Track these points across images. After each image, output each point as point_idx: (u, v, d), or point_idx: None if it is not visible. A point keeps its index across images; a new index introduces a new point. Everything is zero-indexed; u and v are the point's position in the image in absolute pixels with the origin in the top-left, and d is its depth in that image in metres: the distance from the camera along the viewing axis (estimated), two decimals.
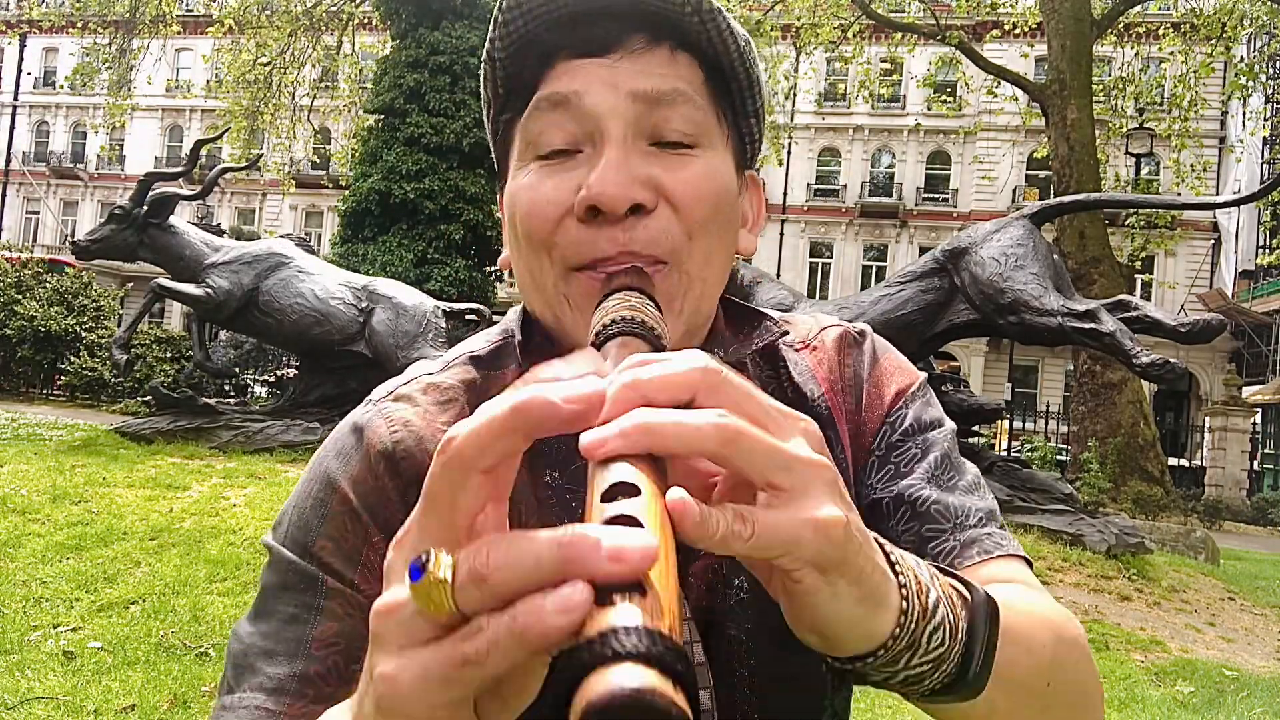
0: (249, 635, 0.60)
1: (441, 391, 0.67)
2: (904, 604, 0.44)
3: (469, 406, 0.65)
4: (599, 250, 0.59)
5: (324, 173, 29.89)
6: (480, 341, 0.72)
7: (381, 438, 0.63)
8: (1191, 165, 14.89)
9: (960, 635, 0.47)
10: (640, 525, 0.33)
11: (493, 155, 0.71)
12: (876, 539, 0.44)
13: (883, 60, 19.98)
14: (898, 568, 0.44)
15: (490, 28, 0.63)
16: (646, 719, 0.29)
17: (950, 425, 0.73)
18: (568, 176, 0.61)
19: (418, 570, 0.33)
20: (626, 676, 0.29)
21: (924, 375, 0.75)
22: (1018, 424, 16.85)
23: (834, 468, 0.40)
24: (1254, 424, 19.13)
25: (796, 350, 0.73)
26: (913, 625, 0.44)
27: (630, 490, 0.35)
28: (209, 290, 7.46)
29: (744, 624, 0.61)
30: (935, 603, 0.45)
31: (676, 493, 0.35)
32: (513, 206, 0.64)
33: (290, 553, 0.61)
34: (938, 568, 0.49)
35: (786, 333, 0.73)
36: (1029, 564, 0.66)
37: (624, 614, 0.30)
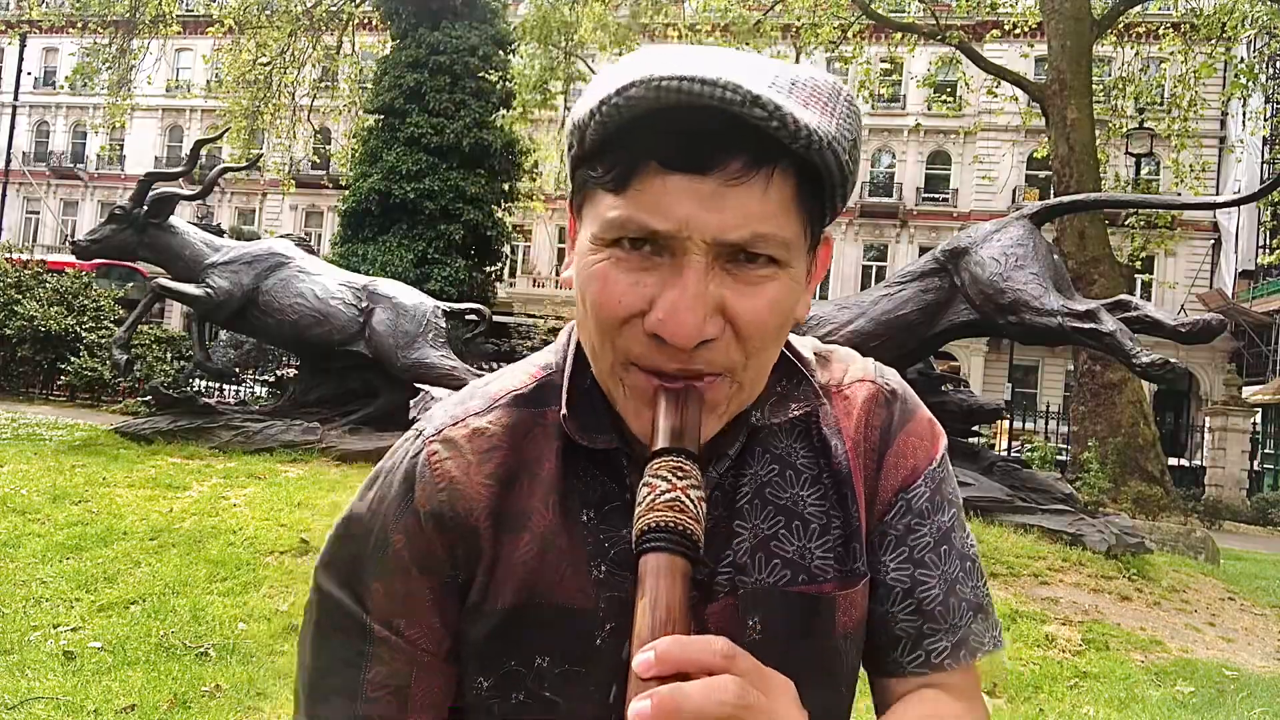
0: (313, 668, 0.69)
1: (485, 439, 0.70)
2: None
3: (511, 452, 0.70)
4: (660, 365, 0.62)
5: (324, 173, 29.88)
6: (523, 378, 0.75)
7: (430, 497, 0.68)
8: (1191, 165, 14.88)
9: None
10: None
11: (569, 186, 0.70)
12: None
13: (883, 60, 19.98)
14: None
15: (585, 112, 0.61)
16: None
17: (959, 502, 0.78)
18: (641, 280, 0.61)
19: None
20: None
21: (945, 442, 0.78)
22: (1018, 424, 16.85)
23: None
24: (1254, 424, 19.13)
25: (829, 395, 0.76)
26: None
27: None
28: (209, 290, 7.46)
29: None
30: None
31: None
32: (585, 285, 0.64)
33: (341, 594, 0.68)
34: None
35: (823, 403, 0.75)
36: (999, 645, 0.76)
37: None
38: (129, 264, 8.11)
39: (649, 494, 0.59)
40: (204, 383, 13.78)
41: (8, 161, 35.58)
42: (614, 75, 0.60)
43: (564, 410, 0.70)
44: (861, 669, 0.76)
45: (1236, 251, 24.40)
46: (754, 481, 0.71)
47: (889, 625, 0.74)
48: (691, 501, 0.58)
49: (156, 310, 15.34)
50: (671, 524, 0.57)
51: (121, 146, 33.82)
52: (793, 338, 0.77)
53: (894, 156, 30.84)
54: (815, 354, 0.79)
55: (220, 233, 9.37)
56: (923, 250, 26.10)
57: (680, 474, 0.59)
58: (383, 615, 0.67)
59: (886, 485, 0.74)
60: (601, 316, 0.63)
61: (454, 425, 0.71)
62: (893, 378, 0.79)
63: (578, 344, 0.73)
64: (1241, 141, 18.59)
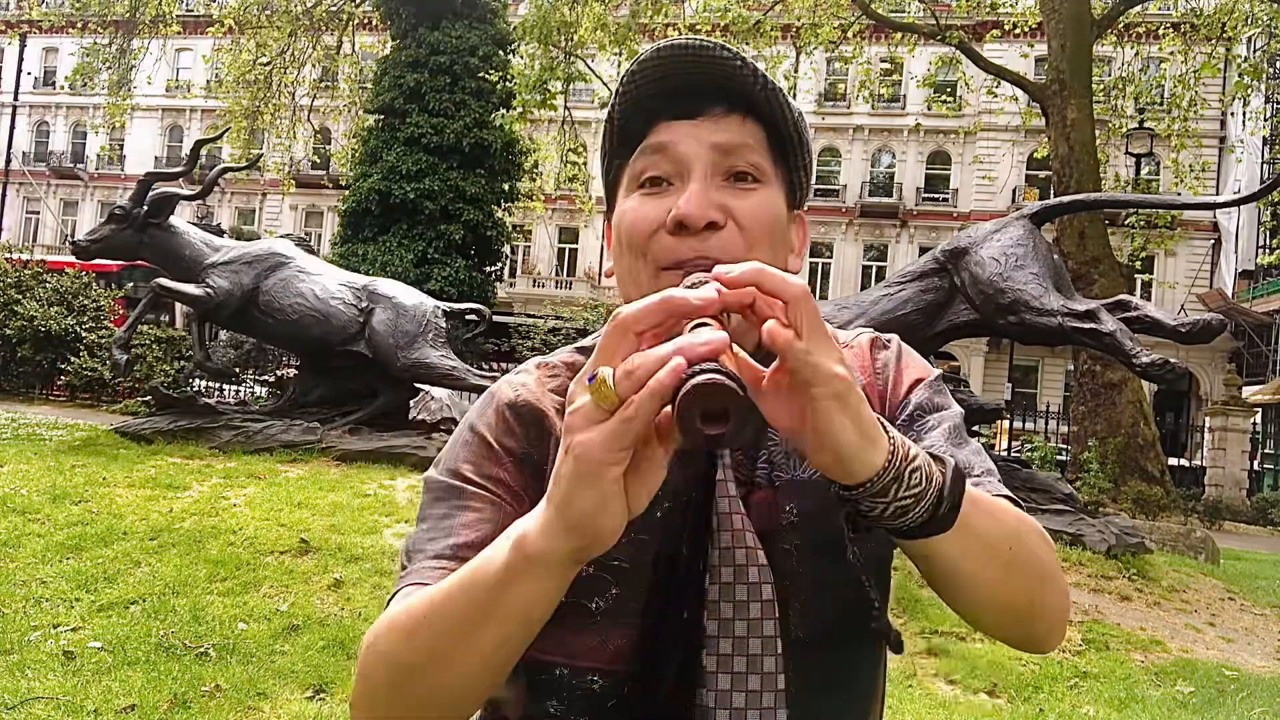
0: (413, 537, 0.79)
1: (550, 370, 0.87)
2: (891, 447, 0.62)
3: (568, 379, 0.84)
4: (682, 254, 0.79)
5: (324, 173, 29.90)
6: (586, 341, 0.90)
7: (507, 395, 0.84)
8: (1191, 165, 14.88)
9: (935, 480, 0.64)
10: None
11: (604, 193, 0.92)
12: (876, 417, 0.63)
13: (883, 60, 19.98)
14: (888, 431, 0.63)
15: (612, 95, 0.85)
16: (715, 392, 0.53)
17: (960, 410, 0.88)
18: (662, 202, 0.81)
19: (591, 378, 0.56)
20: (703, 375, 0.53)
21: (939, 372, 0.92)
22: (1018, 424, 16.84)
23: (849, 376, 0.60)
24: (1254, 424, 19.13)
25: (843, 348, 0.90)
26: (898, 462, 0.62)
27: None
28: (209, 290, 7.45)
29: (794, 540, 0.78)
30: (916, 454, 0.64)
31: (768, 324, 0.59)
32: (620, 222, 0.84)
33: (443, 476, 0.81)
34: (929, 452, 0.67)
35: (835, 334, 0.88)
36: (1018, 504, 0.81)
37: (705, 365, 0.54)
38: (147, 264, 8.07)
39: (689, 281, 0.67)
40: (203, 383, 13.77)
41: (8, 161, 35.59)
42: (632, 62, 0.82)
43: None
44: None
45: (1236, 251, 24.41)
46: None
47: None
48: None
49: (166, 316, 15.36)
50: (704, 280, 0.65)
51: (121, 146, 33.84)
52: None
53: (894, 156, 30.83)
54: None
55: (220, 233, 9.37)
56: (923, 250, 26.11)
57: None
58: (474, 479, 0.79)
59: (894, 399, 0.88)
60: (635, 233, 0.82)
61: (522, 370, 0.88)
62: (889, 334, 0.95)
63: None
64: (1241, 141, 18.61)
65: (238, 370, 14.64)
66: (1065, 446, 13.80)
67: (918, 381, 0.88)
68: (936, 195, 30.30)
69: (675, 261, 0.78)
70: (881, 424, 0.62)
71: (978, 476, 0.80)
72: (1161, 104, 16.42)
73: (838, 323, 6.37)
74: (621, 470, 0.57)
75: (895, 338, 0.94)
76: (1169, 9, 17.71)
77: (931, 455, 0.66)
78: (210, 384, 13.89)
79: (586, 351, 0.87)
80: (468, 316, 8.77)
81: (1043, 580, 0.75)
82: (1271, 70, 15.98)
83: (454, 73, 16.81)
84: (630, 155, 0.85)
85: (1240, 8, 13.75)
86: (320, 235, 30.51)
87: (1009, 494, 0.81)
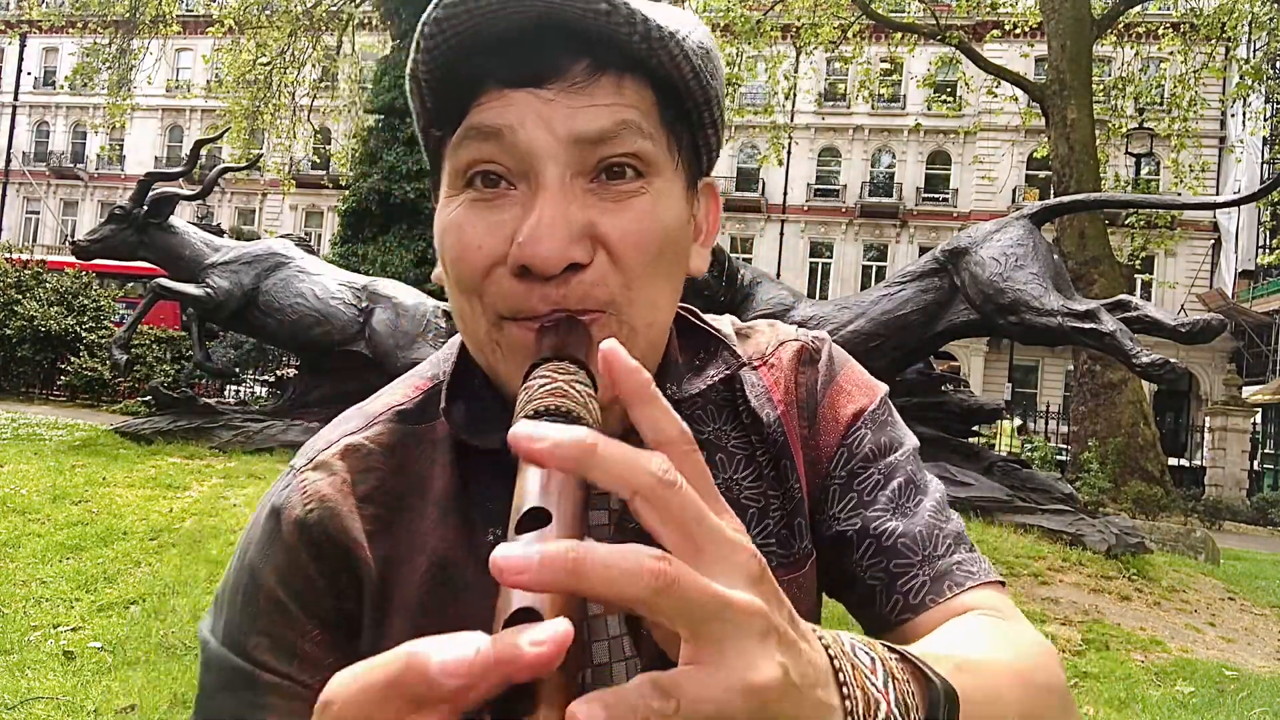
0: None
1: (360, 458, 0.63)
2: None
3: (389, 474, 0.63)
4: (532, 308, 0.55)
5: (324, 173, 29.88)
6: (407, 391, 0.68)
7: (298, 521, 0.61)
8: (1191, 165, 14.89)
9: None
10: (532, 698, 0.32)
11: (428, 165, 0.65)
12: (826, 643, 0.41)
13: (883, 60, 19.97)
14: (845, 687, 0.40)
15: (412, 47, 0.56)
16: None
17: (912, 443, 0.71)
18: (499, 220, 0.56)
19: None
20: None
21: (884, 390, 0.73)
22: (1018, 423, 16.86)
23: (769, 610, 0.36)
24: (1254, 424, 19.12)
25: (754, 368, 0.71)
26: None
27: (526, 697, 0.32)
28: (209, 290, 7.46)
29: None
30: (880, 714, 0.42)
31: (576, 708, 0.32)
32: (442, 240, 0.59)
33: (226, 650, 0.60)
34: (897, 654, 0.45)
35: (744, 363, 0.70)
36: (1001, 584, 0.65)
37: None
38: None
39: (524, 396, 0.47)
40: (204, 382, 13.77)
41: (8, 161, 35.58)
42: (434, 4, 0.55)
43: (444, 404, 0.64)
44: None
45: (1236, 251, 24.39)
46: None
47: (858, 580, 0.65)
48: (579, 393, 0.47)
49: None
50: (556, 407, 0.45)
51: (121, 146, 33.83)
52: (708, 315, 0.73)
53: (894, 156, 30.83)
54: (735, 330, 0.74)
55: (220, 233, 9.36)
56: (923, 250, 26.11)
57: (562, 371, 0.48)
58: (270, 664, 0.59)
59: (825, 441, 0.69)
60: (463, 269, 0.57)
61: (327, 449, 0.64)
62: (820, 335, 0.74)
63: (462, 345, 0.66)
64: (1241, 141, 18.60)
65: (238, 370, 14.64)
66: (1065, 446, 13.80)
67: (858, 416, 0.69)
68: (936, 195, 30.29)
69: (522, 313, 0.56)
70: (838, 676, 0.40)
71: (942, 556, 0.64)
72: (1161, 104, 16.44)
73: (837, 323, 6.42)
74: None
75: (826, 344, 0.73)
76: (1169, 9, 17.72)
77: (910, 678, 0.44)
78: (206, 382, 13.89)
79: (411, 418, 0.65)
80: None
81: None
82: (1272, 70, 15.97)
83: None
84: (451, 128, 0.58)
85: (1240, 7, 13.75)
86: (320, 235, 30.50)
87: (985, 575, 0.64)
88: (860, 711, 0.40)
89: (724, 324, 0.74)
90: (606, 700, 0.32)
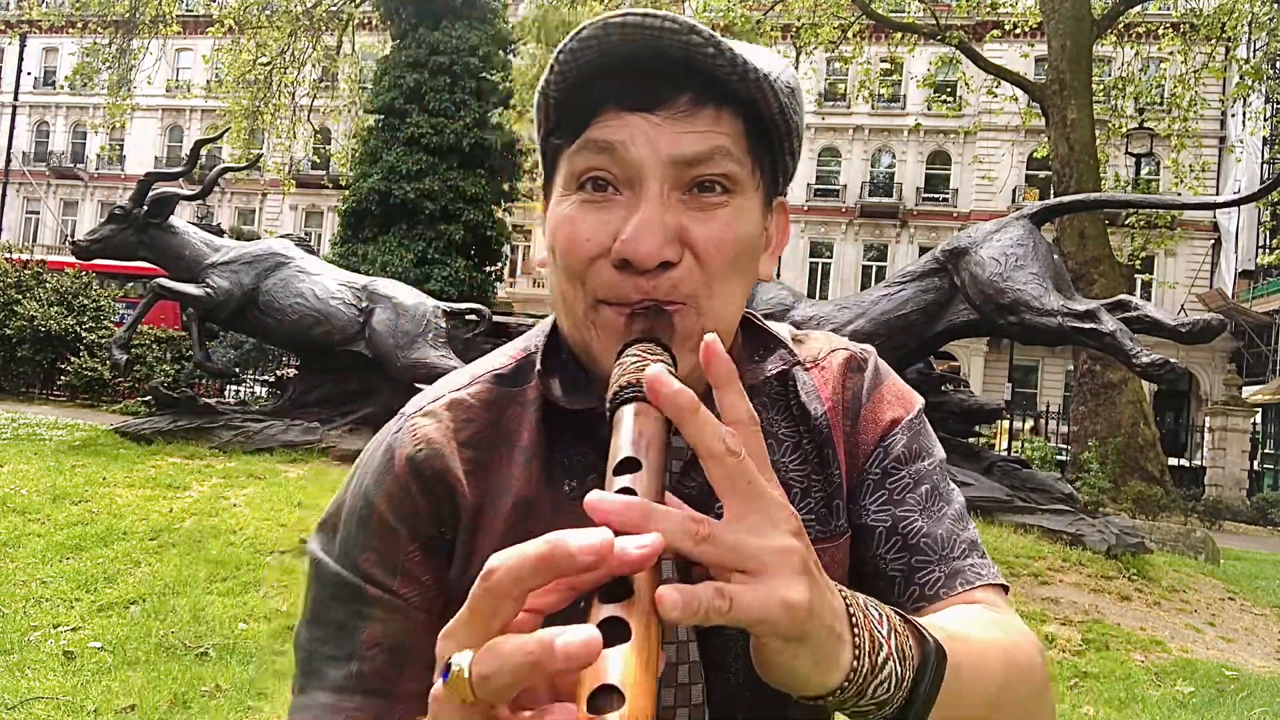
0: (309, 641, 0.71)
1: (464, 409, 0.73)
2: (854, 663, 0.51)
3: (486, 425, 0.73)
4: (626, 295, 0.65)
5: (324, 173, 29.87)
6: (504, 359, 0.78)
7: (409, 457, 0.70)
8: (1191, 165, 14.89)
9: (905, 685, 0.53)
10: (626, 627, 0.41)
11: (540, 169, 0.76)
12: (844, 595, 0.52)
13: (883, 60, 19.98)
14: (856, 629, 0.51)
15: (547, 69, 0.67)
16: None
17: (940, 455, 0.79)
18: (605, 219, 0.66)
19: (445, 672, 0.43)
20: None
21: (921, 403, 0.82)
22: (1017, 424, 16.85)
23: (804, 552, 0.48)
24: (1254, 424, 19.12)
25: (806, 369, 0.80)
26: (860, 679, 0.51)
27: (625, 587, 0.43)
28: (209, 290, 7.46)
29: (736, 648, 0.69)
30: (885, 660, 0.52)
31: (662, 590, 0.43)
32: (554, 232, 0.70)
33: (337, 565, 0.70)
34: (900, 615, 0.56)
35: (799, 361, 0.79)
36: (1005, 589, 0.74)
37: None
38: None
39: (618, 370, 0.56)
40: (204, 382, 13.77)
41: (8, 161, 35.57)
42: (570, 34, 0.66)
43: (539, 367, 0.74)
44: None
45: (1236, 251, 24.39)
46: None
47: (880, 569, 0.74)
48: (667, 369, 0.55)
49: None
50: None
51: (121, 146, 33.82)
52: (769, 321, 0.82)
53: (894, 156, 30.82)
54: (792, 336, 0.83)
55: (220, 233, 9.37)
56: (923, 250, 26.11)
57: (650, 351, 0.59)
58: (375, 577, 0.68)
59: (864, 439, 0.77)
60: (570, 257, 0.67)
61: (435, 400, 0.75)
62: (867, 348, 0.84)
63: (553, 324, 0.76)
64: (1241, 141, 18.60)
65: (238, 370, 14.64)
66: (1065, 446, 13.80)
67: (895, 422, 0.78)
68: (936, 195, 30.28)
69: (617, 299, 0.66)
70: (851, 619, 0.51)
71: (958, 558, 0.73)
72: (1161, 104, 16.44)
73: (838, 323, 6.41)
74: None
75: (872, 356, 0.82)
76: (1169, 9, 17.72)
77: (909, 635, 0.55)
78: (206, 382, 13.89)
79: (507, 381, 0.75)
80: (468, 317, 8.77)
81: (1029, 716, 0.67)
82: (1272, 70, 15.98)
83: (454, 73, 16.79)
84: (570, 139, 0.69)
85: (1240, 7, 13.75)
86: (320, 235, 30.50)
87: (993, 578, 0.73)
88: (866, 649, 0.51)
89: (782, 329, 0.84)
90: (683, 590, 0.43)
